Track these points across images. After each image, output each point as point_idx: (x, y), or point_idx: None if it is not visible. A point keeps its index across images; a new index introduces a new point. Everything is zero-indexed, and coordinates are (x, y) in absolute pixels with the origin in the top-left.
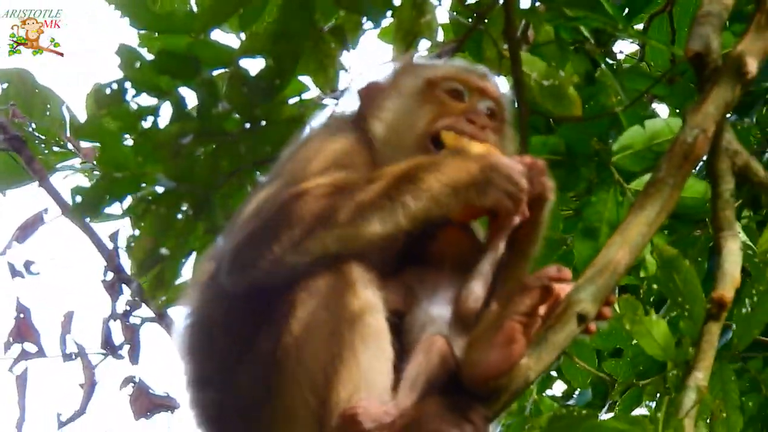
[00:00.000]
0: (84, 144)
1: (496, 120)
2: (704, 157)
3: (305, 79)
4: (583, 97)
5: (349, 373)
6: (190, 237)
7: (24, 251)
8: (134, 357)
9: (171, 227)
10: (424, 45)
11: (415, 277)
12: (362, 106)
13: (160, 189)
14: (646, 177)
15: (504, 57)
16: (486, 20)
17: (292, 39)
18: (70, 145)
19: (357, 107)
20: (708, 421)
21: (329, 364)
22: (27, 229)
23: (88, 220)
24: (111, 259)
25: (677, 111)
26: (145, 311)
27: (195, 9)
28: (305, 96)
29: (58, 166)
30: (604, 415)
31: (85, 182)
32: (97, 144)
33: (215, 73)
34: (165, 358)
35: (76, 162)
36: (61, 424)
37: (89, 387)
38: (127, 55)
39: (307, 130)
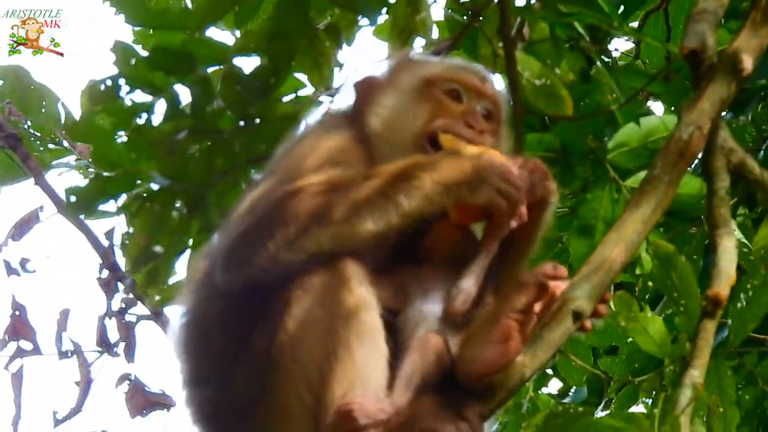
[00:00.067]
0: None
1: (492, 121)
2: (699, 155)
3: (301, 76)
4: (579, 95)
5: (344, 370)
6: (185, 235)
7: (20, 249)
8: (130, 355)
9: (165, 225)
10: (419, 43)
11: (408, 275)
12: (358, 100)
13: (154, 186)
14: (642, 174)
15: (498, 55)
16: (481, 18)
17: (286, 37)
18: (65, 143)
19: (353, 101)
20: (705, 417)
21: (324, 362)
22: (23, 227)
23: (83, 217)
24: (106, 256)
25: (672, 109)
26: (140, 309)
27: (190, 5)
28: (301, 93)
29: (54, 163)
30: (600, 413)
31: (80, 179)
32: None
33: (210, 70)
34: (161, 356)
35: (72, 159)
36: (57, 422)
37: (85, 385)
38: (122, 52)
39: (302, 127)
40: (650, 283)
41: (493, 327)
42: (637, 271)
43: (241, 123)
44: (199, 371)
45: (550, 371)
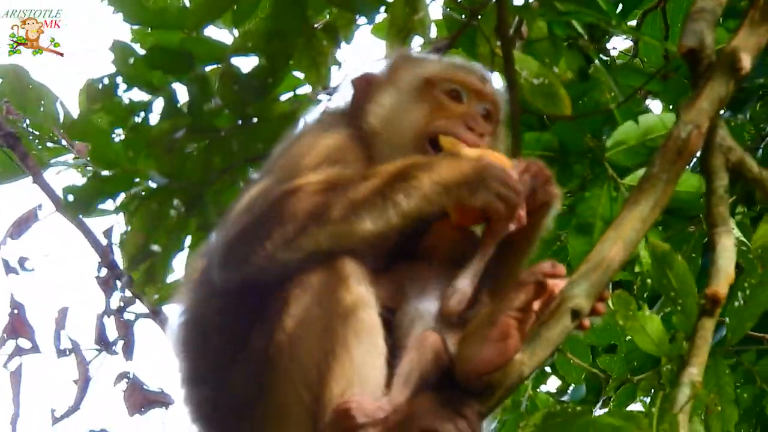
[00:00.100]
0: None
1: (491, 122)
2: (698, 153)
3: (299, 74)
4: (577, 94)
5: (342, 368)
6: (182, 233)
7: (18, 247)
8: (128, 353)
9: (162, 224)
10: (417, 42)
11: (406, 273)
12: (356, 97)
13: (152, 185)
14: (640, 172)
15: (497, 54)
16: (479, 17)
17: (284, 36)
18: (63, 141)
19: (351, 98)
20: (703, 415)
21: (323, 360)
22: (21, 225)
23: (81, 216)
24: (105, 255)
25: (671, 107)
26: (139, 307)
27: (188, 4)
28: (299, 91)
29: (52, 161)
30: (599, 411)
31: (78, 178)
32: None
33: (208, 69)
34: (159, 354)
35: (70, 158)
36: (56, 420)
37: (83, 383)
38: (120, 51)
39: (300, 125)
40: (648, 281)
41: (492, 325)
42: (636, 269)
43: (239, 122)
44: (197, 370)
45: (548, 369)
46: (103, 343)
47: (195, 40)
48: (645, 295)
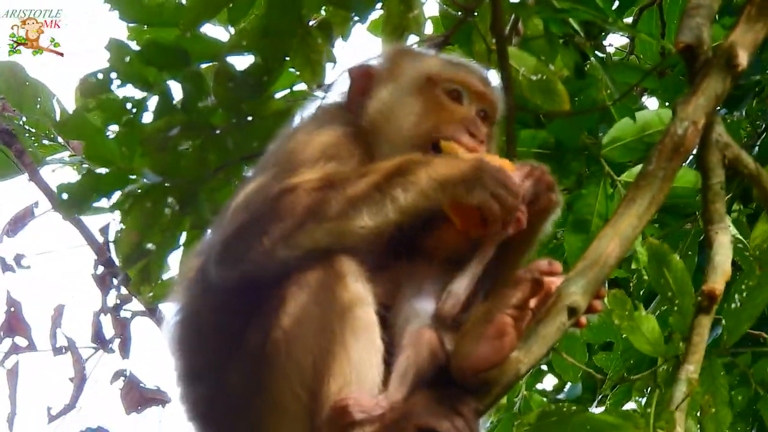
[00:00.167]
0: None
1: (487, 123)
2: (695, 150)
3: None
4: (573, 91)
5: (339, 366)
6: (177, 231)
7: (15, 245)
8: (125, 351)
9: (157, 222)
10: (412, 39)
11: (404, 271)
12: (354, 88)
13: (146, 183)
14: (637, 169)
15: (493, 51)
16: (476, 14)
17: (279, 35)
18: (60, 139)
19: (348, 89)
20: (697, 415)
21: (319, 358)
22: (17, 223)
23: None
24: (101, 252)
25: (667, 104)
26: (135, 305)
27: (184, 2)
28: (295, 88)
29: (48, 159)
30: (595, 409)
31: (74, 176)
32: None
33: (203, 66)
34: (156, 352)
35: (66, 155)
36: (52, 418)
37: (79, 381)
38: (116, 49)
39: (295, 121)
40: (645, 278)
41: (489, 323)
42: (633, 266)
43: (234, 120)
44: (193, 368)
45: (545, 367)
46: (100, 341)
47: (190, 37)
48: (641, 293)
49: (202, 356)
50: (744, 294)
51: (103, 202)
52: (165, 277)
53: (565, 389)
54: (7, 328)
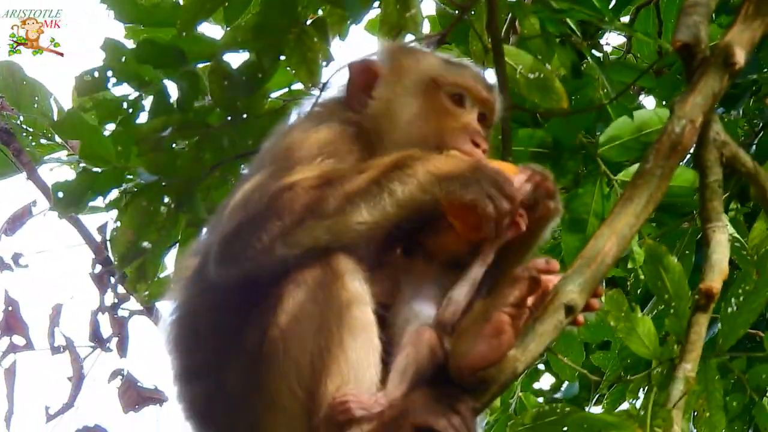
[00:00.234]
0: None
1: (486, 125)
2: (692, 149)
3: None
4: (570, 90)
5: (337, 365)
6: (173, 230)
7: (12, 244)
8: (123, 350)
9: (153, 220)
10: (409, 38)
11: (403, 269)
12: (354, 83)
13: (142, 182)
14: (633, 168)
15: (489, 50)
16: (473, 12)
17: (274, 32)
18: (57, 138)
19: (347, 84)
20: (691, 419)
21: (317, 357)
22: (15, 222)
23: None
24: (99, 251)
25: (664, 103)
26: (133, 304)
27: (180, 2)
28: (294, 87)
29: (45, 158)
30: (592, 408)
31: (72, 174)
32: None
33: (199, 66)
34: (154, 351)
35: (63, 154)
36: (50, 417)
37: (77, 380)
38: (112, 49)
39: (292, 119)
40: (642, 277)
41: (486, 321)
42: (630, 265)
43: (229, 118)
44: (190, 367)
45: (542, 366)
46: (98, 340)
47: (186, 37)
48: (638, 292)
49: (199, 355)
50: (741, 298)
51: (99, 201)
52: (161, 275)
53: (563, 388)
54: (5, 327)
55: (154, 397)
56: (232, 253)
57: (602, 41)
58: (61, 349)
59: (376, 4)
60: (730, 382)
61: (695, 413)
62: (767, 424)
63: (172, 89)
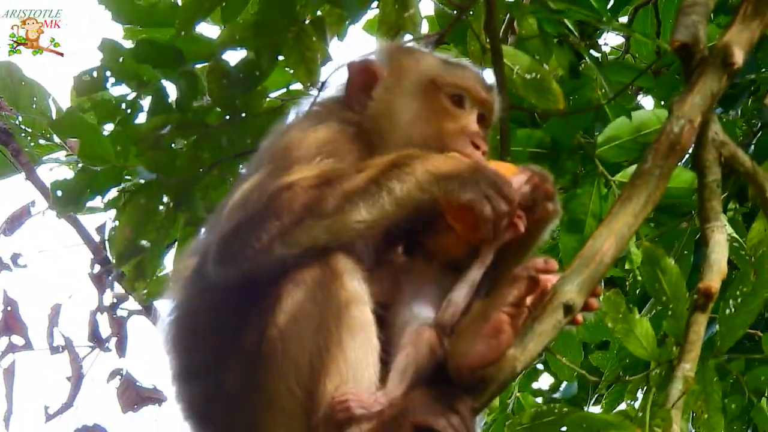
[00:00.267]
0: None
1: (484, 125)
2: (691, 149)
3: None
4: (568, 91)
5: (336, 365)
6: (171, 229)
7: (11, 244)
8: (121, 350)
9: (151, 219)
10: (407, 38)
11: (403, 269)
12: (353, 84)
13: (141, 181)
14: (631, 169)
15: (487, 50)
16: (471, 12)
17: (273, 31)
18: (56, 138)
19: (345, 83)
20: (690, 421)
21: (316, 356)
22: (14, 222)
23: (73, 213)
24: (98, 251)
25: (663, 103)
26: (132, 304)
27: (179, 2)
28: (293, 87)
29: (44, 158)
30: (591, 408)
31: (70, 175)
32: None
33: (197, 66)
34: (152, 351)
35: (62, 155)
36: (49, 417)
37: (76, 380)
38: (109, 49)
39: (290, 118)
40: (639, 278)
41: (485, 321)
42: (627, 266)
43: (228, 117)
44: (188, 367)
45: (540, 366)
46: (97, 339)
47: (185, 37)
48: (636, 292)
49: (198, 355)
50: (739, 300)
51: (98, 202)
52: (160, 274)
53: (561, 388)
54: (4, 327)
55: (153, 397)
56: (230, 252)
57: (600, 41)
58: (60, 349)
59: (375, 4)
60: (728, 383)
61: (694, 414)
62: (766, 426)
63: (171, 90)
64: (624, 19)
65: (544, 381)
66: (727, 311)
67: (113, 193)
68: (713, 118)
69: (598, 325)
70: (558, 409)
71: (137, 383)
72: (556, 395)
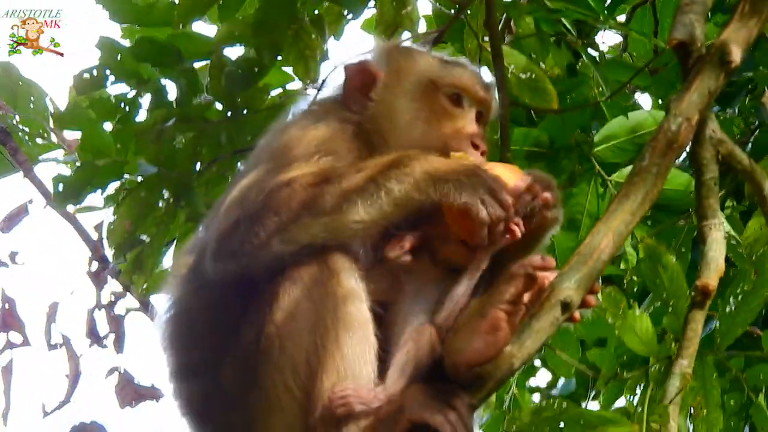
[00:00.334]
0: (67, 135)
1: (482, 123)
2: (688, 147)
3: (289, 70)
4: (565, 89)
5: (333, 362)
6: (171, 224)
7: (9, 241)
8: (119, 347)
9: (151, 213)
10: (405, 36)
11: (404, 268)
12: (350, 85)
13: (141, 177)
14: (628, 169)
15: (485, 49)
16: (468, 11)
17: (272, 28)
18: (54, 137)
19: (343, 84)
20: (688, 417)
21: (313, 354)
22: (12, 220)
23: (72, 210)
24: (96, 249)
25: (660, 102)
26: (130, 301)
27: (176, 1)
28: (290, 87)
29: (42, 157)
30: (589, 404)
31: (68, 173)
32: (78, 133)
33: (197, 65)
34: (150, 348)
35: (60, 154)
36: (46, 414)
37: (74, 377)
38: (107, 47)
39: (288, 116)
40: (635, 277)
41: (482, 318)
42: (623, 266)
43: (227, 114)
44: (186, 364)
45: (538, 363)
46: (94, 337)
47: (182, 35)
48: (635, 290)
49: (195, 352)
50: (739, 298)
51: (98, 200)
52: (158, 269)
53: (559, 385)
54: (2, 324)
55: (150, 394)
56: (228, 249)
57: (598, 40)
58: (58, 346)
59: (372, 3)
60: (727, 380)
61: (692, 411)
62: (764, 423)
63: (170, 88)
64: (621, 18)
65: (542, 378)
66: (727, 309)
67: (113, 188)
68: (711, 116)
69: (596, 322)
70: (557, 404)
71: (135, 380)
72: (554, 392)
